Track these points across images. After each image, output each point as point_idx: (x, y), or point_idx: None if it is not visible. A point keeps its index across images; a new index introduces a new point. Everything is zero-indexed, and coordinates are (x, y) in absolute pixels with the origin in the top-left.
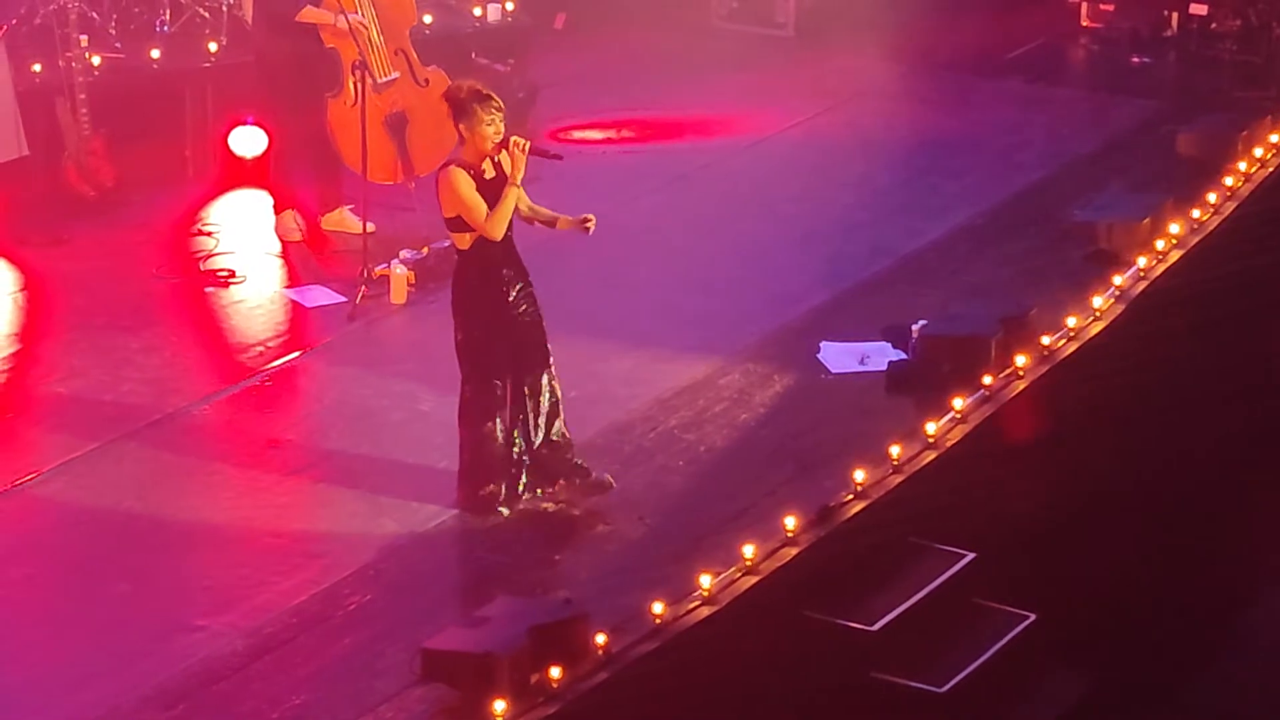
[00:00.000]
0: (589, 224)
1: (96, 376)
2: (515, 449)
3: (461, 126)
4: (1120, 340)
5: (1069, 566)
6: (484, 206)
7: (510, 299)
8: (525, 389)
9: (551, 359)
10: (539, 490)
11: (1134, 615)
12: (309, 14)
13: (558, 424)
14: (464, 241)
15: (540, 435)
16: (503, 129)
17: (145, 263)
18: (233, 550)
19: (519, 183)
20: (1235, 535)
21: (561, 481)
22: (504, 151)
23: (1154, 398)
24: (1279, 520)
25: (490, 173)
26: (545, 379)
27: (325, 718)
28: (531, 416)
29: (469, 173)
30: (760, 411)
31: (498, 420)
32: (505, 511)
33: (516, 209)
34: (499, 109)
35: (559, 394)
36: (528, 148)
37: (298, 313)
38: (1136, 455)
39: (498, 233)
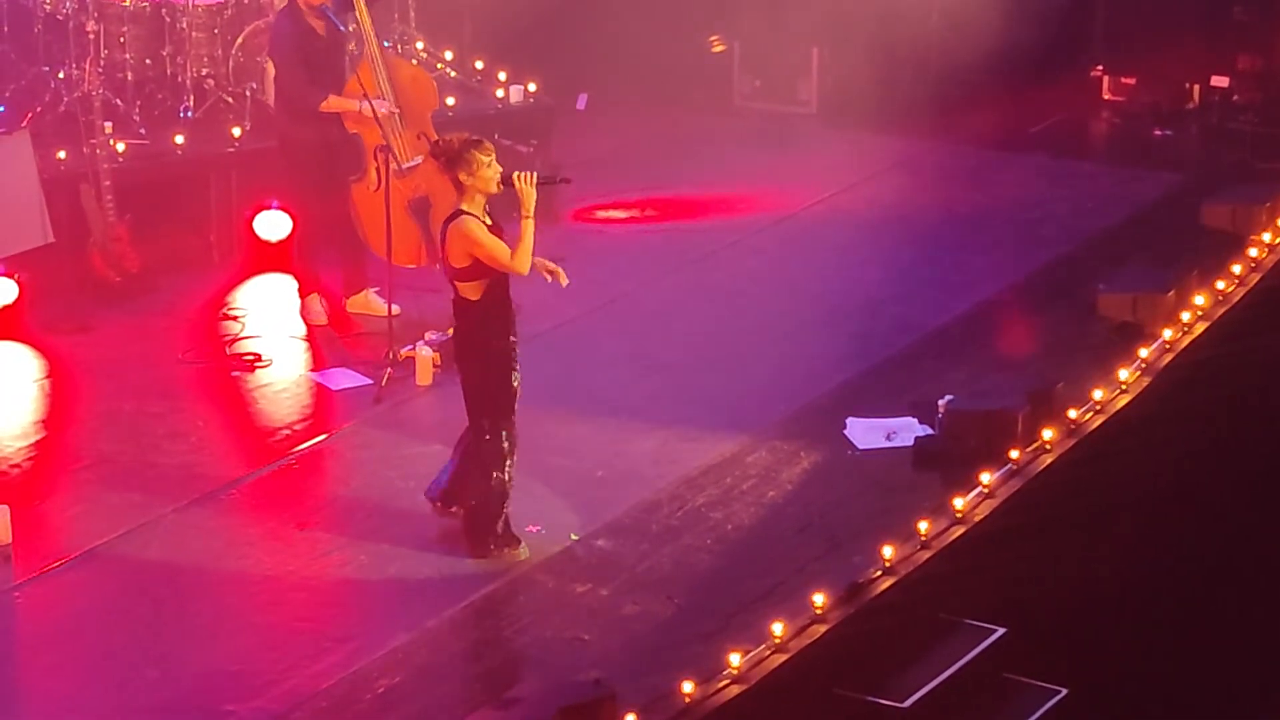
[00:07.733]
0: (558, 275)
1: (124, 462)
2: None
3: (461, 175)
4: (1146, 413)
5: (1100, 641)
6: (505, 247)
7: (512, 344)
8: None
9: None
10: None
11: (1167, 692)
12: (333, 103)
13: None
14: (474, 291)
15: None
16: (500, 168)
17: (171, 348)
18: (261, 635)
19: (531, 215)
20: (1271, 612)
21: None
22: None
23: (1182, 472)
24: None
25: (488, 221)
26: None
27: None
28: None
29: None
30: (787, 489)
31: (509, 464)
32: (525, 551)
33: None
34: (492, 149)
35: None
36: (535, 179)
37: (323, 396)
38: (1165, 530)
39: (525, 267)
